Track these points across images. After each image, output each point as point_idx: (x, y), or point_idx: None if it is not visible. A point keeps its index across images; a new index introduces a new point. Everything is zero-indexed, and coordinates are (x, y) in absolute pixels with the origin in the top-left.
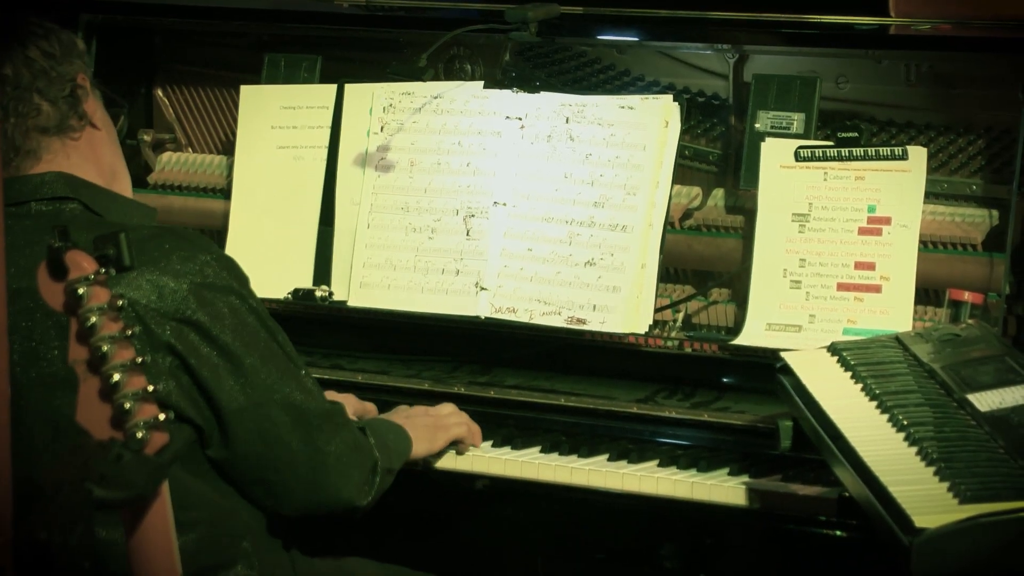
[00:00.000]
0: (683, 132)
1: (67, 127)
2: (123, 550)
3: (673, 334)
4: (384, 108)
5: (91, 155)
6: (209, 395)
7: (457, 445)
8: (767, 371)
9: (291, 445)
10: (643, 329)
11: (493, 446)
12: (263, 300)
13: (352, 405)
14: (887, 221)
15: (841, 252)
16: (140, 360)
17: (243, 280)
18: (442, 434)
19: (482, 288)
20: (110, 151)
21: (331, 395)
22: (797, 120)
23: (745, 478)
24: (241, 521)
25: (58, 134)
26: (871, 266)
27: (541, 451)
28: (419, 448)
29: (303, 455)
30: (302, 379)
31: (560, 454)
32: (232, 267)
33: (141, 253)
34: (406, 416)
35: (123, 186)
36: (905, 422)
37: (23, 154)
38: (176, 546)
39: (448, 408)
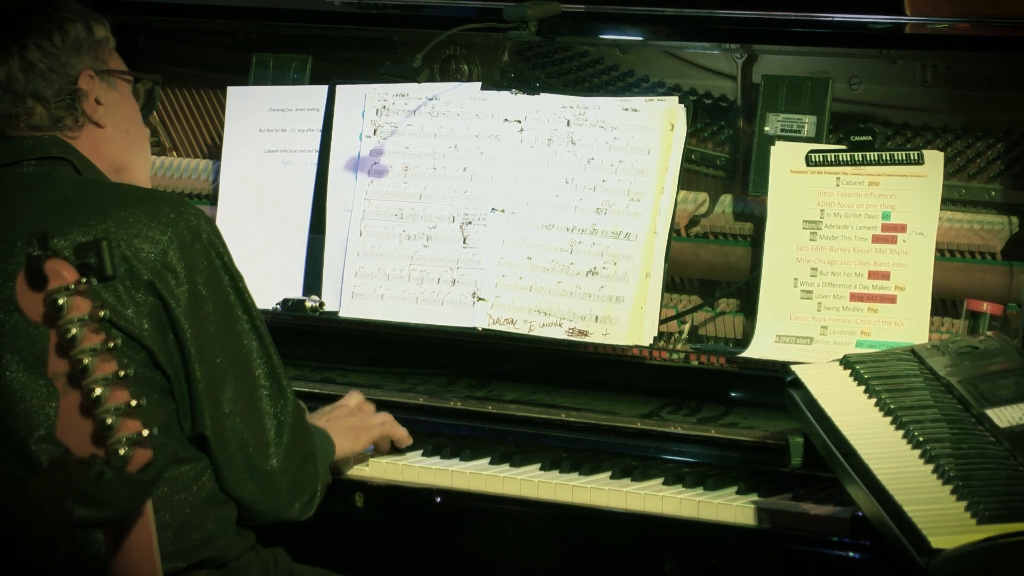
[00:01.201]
0: (689, 135)
1: (62, 126)
2: (106, 570)
3: (679, 346)
4: (377, 110)
5: (92, 151)
6: (182, 345)
7: (379, 444)
8: (777, 385)
9: (242, 460)
10: (647, 341)
11: (491, 463)
12: None
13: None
14: (902, 228)
15: (854, 261)
16: (123, 373)
17: (225, 249)
18: (364, 435)
19: (479, 298)
20: (115, 147)
21: None
22: (808, 123)
23: (754, 497)
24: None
25: (55, 130)
26: (886, 275)
27: (541, 468)
28: (342, 449)
29: (254, 466)
30: (276, 372)
31: (561, 472)
32: (217, 231)
33: (131, 200)
34: (327, 419)
35: (130, 180)
36: (921, 438)
37: (16, 140)
38: (160, 567)
39: (370, 408)
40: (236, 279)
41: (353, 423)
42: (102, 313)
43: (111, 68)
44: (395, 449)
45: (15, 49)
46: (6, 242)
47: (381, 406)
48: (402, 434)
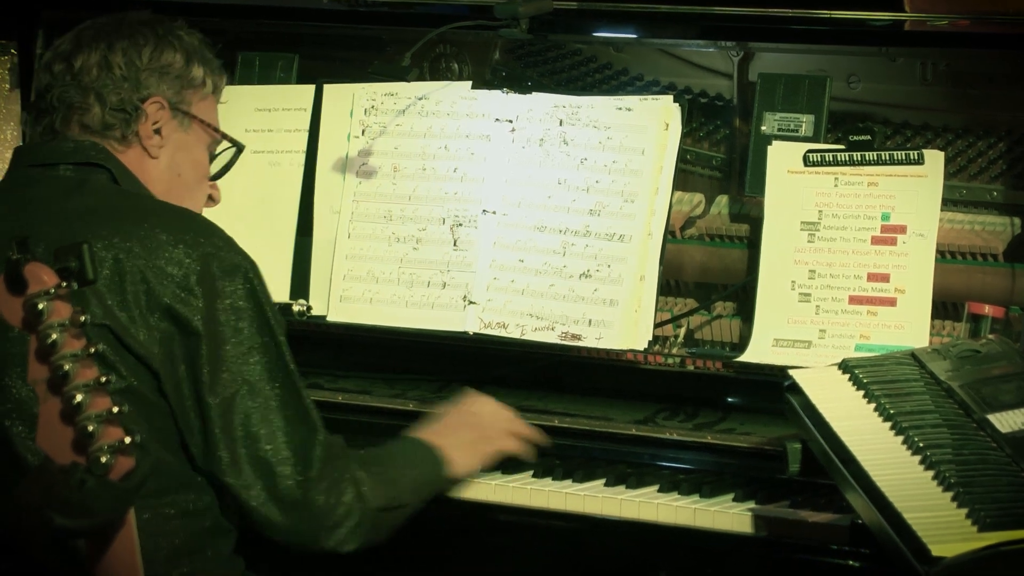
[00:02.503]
0: (684, 135)
1: (110, 136)
2: None
3: (674, 351)
4: (366, 110)
5: (138, 173)
6: (195, 374)
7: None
8: (774, 390)
9: (265, 489)
10: (642, 345)
11: (482, 471)
12: None
13: None
14: (902, 230)
15: (853, 263)
16: (104, 380)
17: (254, 271)
18: (485, 447)
19: (470, 302)
20: (162, 183)
21: None
22: (806, 122)
23: (751, 504)
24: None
25: (100, 136)
26: (885, 278)
27: (533, 476)
28: (458, 469)
29: (289, 496)
30: (303, 405)
31: (554, 479)
32: (248, 258)
33: (159, 219)
34: (440, 433)
35: None
36: (921, 444)
37: (59, 139)
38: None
39: (489, 408)
40: (263, 308)
41: (471, 439)
42: (83, 318)
43: (192, 112)
44: None
45: (103, 47)
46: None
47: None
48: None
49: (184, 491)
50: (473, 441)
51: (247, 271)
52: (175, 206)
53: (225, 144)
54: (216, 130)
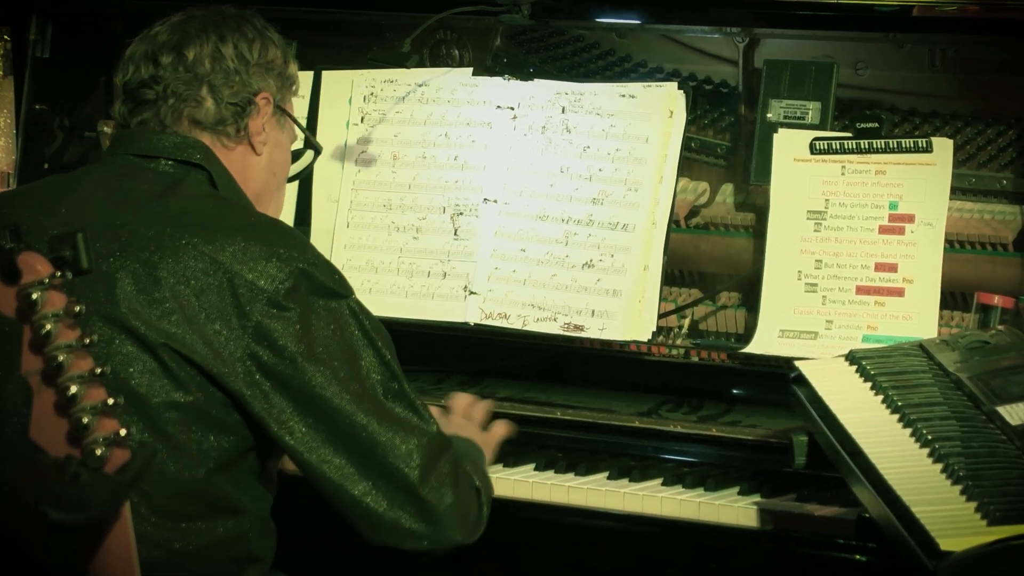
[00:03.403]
0: (689, 123)
1: (221, 131)
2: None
3: (678, 342)
4: (364, 97)
5: (240, 171)
6: (291, 390)
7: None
8: (780, 382)
9: (394, 497)
10: (646, 336)
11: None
12: None
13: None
14: (910, 219)
15: (860, 252)
16: (99, 371)
17: (349, 290)
18: (493, 439)
19: (471, 292)
20: (262, 180)
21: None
22: (812, 109)
23: (756, 498)
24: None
25: (211, 132)
26: (893, 267)
27: (535, 469)
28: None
29: (411, 506)
30: (410, 413)
31: (556, 472)
32: (339, 276)
33: (253, 230)
34: (462, 429)
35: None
36: (929, 437)
37: (166, 133)
38: (138, 570)
39: (465, 402)
40: (357, 316)
41: (481, 437)
42: (77, 308)
43: (288, 110)
44: None
45: (214, 38)
46: (117, 241)
47: None
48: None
49: (220, 516)
50: (480, 434)
51: (340, 285)
52: (270, 218)
53: (298, 145)
54: (304, 130)
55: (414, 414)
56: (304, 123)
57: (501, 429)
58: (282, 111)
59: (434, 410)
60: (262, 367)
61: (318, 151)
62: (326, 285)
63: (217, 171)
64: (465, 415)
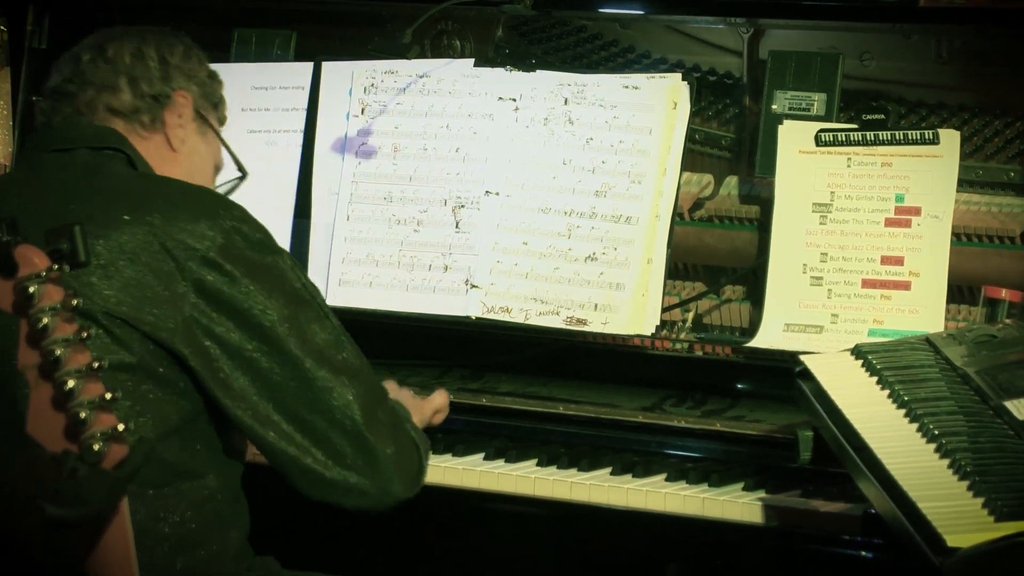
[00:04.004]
0: (693, 114)
1: (136, 119)
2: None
3: (682, 336)
4: (365, 88)
5: (156, 163)
6: (232, 349)
7: (435, 416)
8: (785, 376)
9: (337, 446)
10: (649, 330)
11: (485, 459)
12: None
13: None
14: (917, 211)
15: (866, 245)
16: (96, 365)
17: (281, 247)
18: (427, 405)
19: (473, 286)
20: (181, 177)
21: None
22: (818, 101)
23: (761, 493)
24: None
25: (125, 120)
26: (899, 261)
27: (538, 464)
28: (416, 421)
29: (354, 458)
30: (351, 360)
31: (558, 467)
32: (270, 234)
33: (181, 195)
34: (391, 390)
35: None
36: (936, 432)
37: (81, 124)
38: (137, 567)
39: (441, 399)
40: (292, 267)
41: (414, 404)
42: (75, 302)
43: (211, 122)
44: None
45: (136, 41)
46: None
47: None
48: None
49: (186, 479)
50: (414, 396)
51: (268, 238)
52: (195, 185)
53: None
54: (229, 150)
55: (354, 363)
56: (304, 115)
57: (439, 398)
58: (203, 119)
59: None
60: (202, 326)
61: (243, 175)
62: (259, 240)
63: (135, 156)
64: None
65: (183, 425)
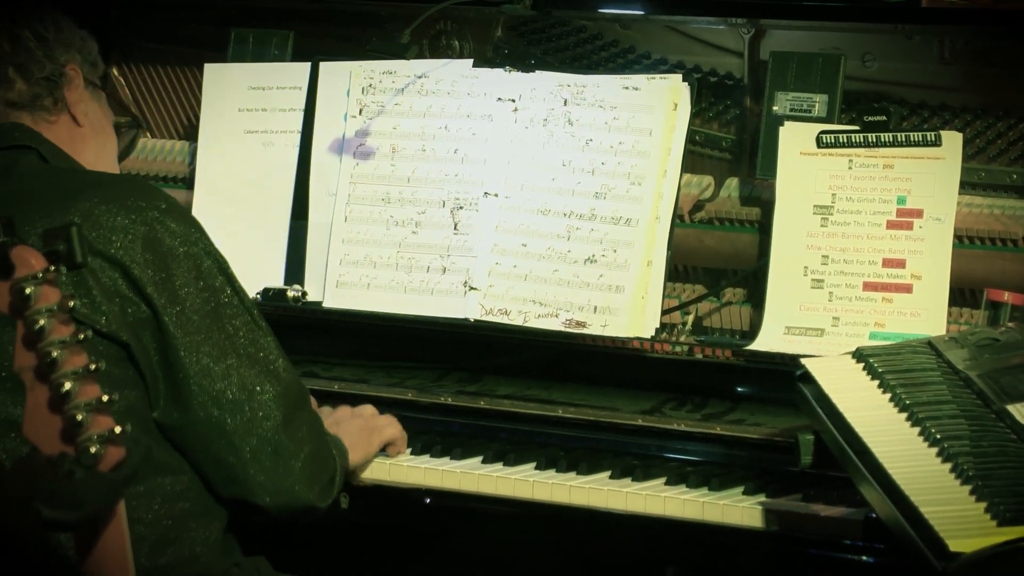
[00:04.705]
0: (694, 115)
1: (39, 106)
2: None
3: (682, 338)
4: (363, 89)
5: (68, 145)
6: (163, 339)
7: (387, 448)
8: (786, 379)
9: (252, 445)
10: (649, 333)
11: (483, 462)
12: None
13: None
14: (919, 214)
15: (868, 248)
16: (94, 367)
17: (207, 236)
18: (376, 436)
19: (471, 288)
20: (92, 152)
21: None
22: (819, 102)
23: (762, 497)
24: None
25: (29, 110)
26: (901, 263)
27: (536, 468)
28: (355, 457)
29: (267, 457)
30: (272, 360)
31: (557, 471)
32: (196, 223)
33: (99, 188)
34: (335, 423)
35: None
36: (938, 436)
37: None
38: (133, 571)
39: (371, 409)
40: (217, 260)
41: (362, 424)
42: (72, 303)
43: (97, 82)
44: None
45: (7, 23)
46: None
47: (367, 401)
48: (404, 439)
49: (162, 474)
50: (363, 430)
51: (193, 231)
52: (111, 174)
53: (124, 119)
54: (120, 103)
55: (277, 364)
56: (301, 115)
57: (390, 430)
58: (92, 84)
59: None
60: (132, 319)
61: (140, 125)
62: (182, 232)
63: (45, 148)
64: (365, 415)
65: (146, 417)
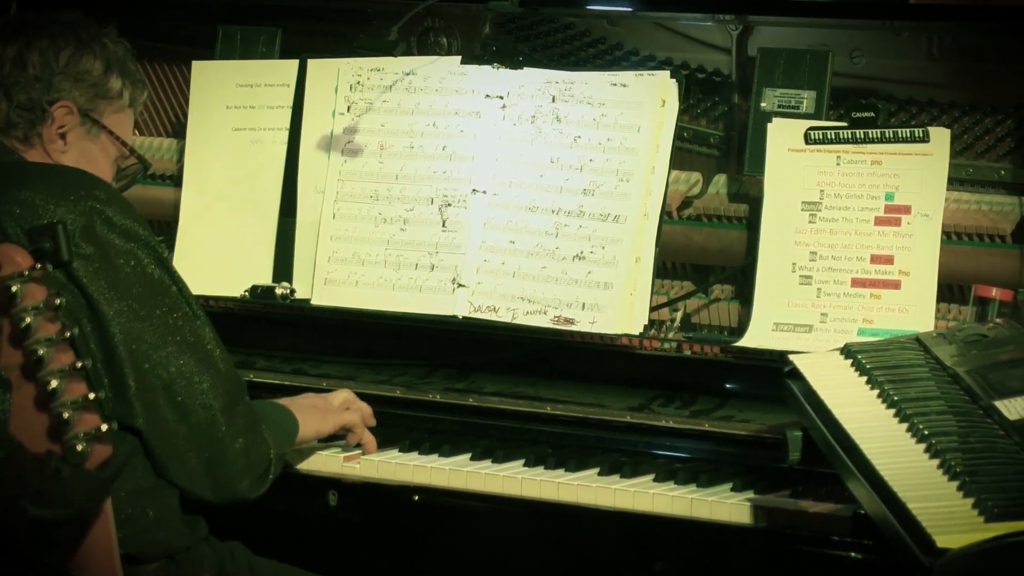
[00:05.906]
0: (681, 112)
1: (12, 135)
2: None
3: (671, 335)
4: (351, 86)
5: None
6: (101, 328)
7: (348, 436)
8: (774, 376)
9: (186, 433)
10: (637, 330)
11: (472, 459)
12: (217, 299)
13: None
14: (907, 210)
15: (856, 244)
16: (80, 364)
17: (147, 228)
18: (332, 417)
19: (460, 285)
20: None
21: None
22: (807, 98)
23: (750, 494)
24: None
25: (3, 135)
26: (889, 260)
27: (525, 465)
28: (307, 430)
29: (201, 445)
30: (210, 350)
31: (546, 468)
32: (136, 214)
33: (41, 179)
34: (289, 400)
35: None
36: (926, 432)
37: None
38: (120, 567)
39: (343, 395)
40: (155, 250)
41: (319, 403)
42: (58, 301)
43: (102, 122)
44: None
45: (20, 43)
46: None
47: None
48: (372, 442)
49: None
50: (317, 408)
51: (130, 222)
52: (55, 165)
53: (132, 160)
54: (125, 144)
55: (214, 353)
56: (289, 113)
57: (347, 416)
58: (93, 121)
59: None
60: (71, 310)
61: (146, 166)
62: (120, 223)
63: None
64: (328, 397)
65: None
